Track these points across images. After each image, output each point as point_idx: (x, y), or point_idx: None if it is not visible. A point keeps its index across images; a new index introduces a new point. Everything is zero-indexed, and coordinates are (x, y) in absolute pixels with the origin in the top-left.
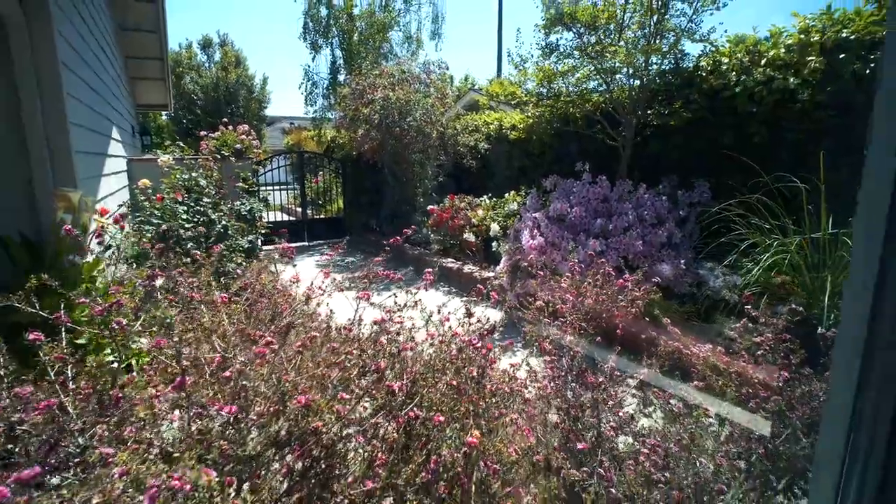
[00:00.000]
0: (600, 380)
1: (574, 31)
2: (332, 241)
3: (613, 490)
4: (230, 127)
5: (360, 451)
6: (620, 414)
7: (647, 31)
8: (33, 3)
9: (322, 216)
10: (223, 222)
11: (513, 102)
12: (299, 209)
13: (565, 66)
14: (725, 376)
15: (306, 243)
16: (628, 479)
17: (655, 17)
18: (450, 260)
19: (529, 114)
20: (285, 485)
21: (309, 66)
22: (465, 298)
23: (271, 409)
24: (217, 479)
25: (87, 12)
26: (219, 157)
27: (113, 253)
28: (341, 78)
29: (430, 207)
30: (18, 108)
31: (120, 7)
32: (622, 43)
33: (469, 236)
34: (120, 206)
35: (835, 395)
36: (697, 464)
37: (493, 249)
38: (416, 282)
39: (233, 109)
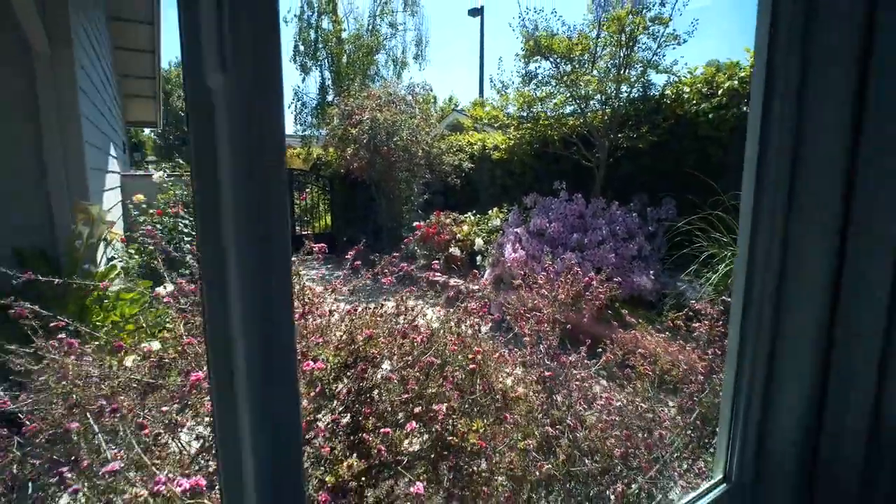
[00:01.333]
0: (571, 358)
1: (551, 61)
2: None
3: (579, 435)
4: None
5: (396, 380)
6: (584, 384)
7: (617, 62)
8: (59, 34)
9: (308, 232)
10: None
11: (495, 125)
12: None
13: (543, 92)
14: (670, 355)
15: (294, 258)
16: (589, 433)
17: (625, 50)
18: (436, 274)
19: (511, 135)
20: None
21: (299, 87)
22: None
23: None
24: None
25: (94, 36)
26: None
27: (121, 264)
28: (330, 98)
29: (416, 223)
30: (39, 130)
31: (118, 28)
32: (595, 72)
33: (455, 251)
34: (132, 220)
35: (730, 353)
36: (642, 419)
37: (478, 263)
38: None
39: None
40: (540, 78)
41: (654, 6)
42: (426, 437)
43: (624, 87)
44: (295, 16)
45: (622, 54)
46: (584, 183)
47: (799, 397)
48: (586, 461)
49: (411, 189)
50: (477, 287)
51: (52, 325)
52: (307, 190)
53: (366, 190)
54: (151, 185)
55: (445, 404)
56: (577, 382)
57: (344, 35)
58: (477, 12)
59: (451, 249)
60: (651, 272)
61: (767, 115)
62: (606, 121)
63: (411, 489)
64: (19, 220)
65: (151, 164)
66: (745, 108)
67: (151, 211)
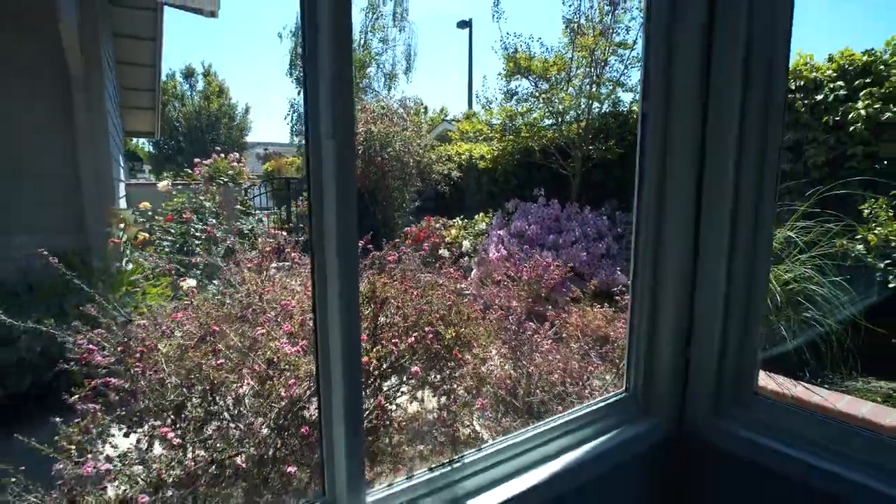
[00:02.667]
0: (532, 326)
1: (530, 80)
2: None
3: (534, 378)
4: (222, 155)
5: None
6: (541, 343)
7: (589, 81)
8: (93, 62)
9: (304, 237)
10: (230, 239)
11: (480, 137)
12: (281, 232)
13: (524, 107)
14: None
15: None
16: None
17: (596, 70)
18: (427, 274)
19: (495, 147)
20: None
21: (294, 99)
22: None
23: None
24: None
25: (108, 54)
26: (221, 182)
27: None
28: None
29: (407, 228)
30: (75, 145)
31: (121, 43)
32: (571, 90)
33: (444, 252)
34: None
35: (630, 304)
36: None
37: (466, 264)
38: None
39: (213, 137)
40: (520, 95)
41: (620, 32)
42: (421, 349)
43: (595, 104)
44: (290, 32)
45: (594, 74)
46: (561, 189)
47: (673, 329)
48: (538, 392)
49: (403, 196)
50: (464, 286)
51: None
52: (301, 197)
53: (360, 198)
54: (157, 194)
55: (430, 328)
56: (533, 337)
57: None
58: (465, 24)
59: (440, 252)
60: (618, 268)
61: (643, 142)
62: (581, 134)
63: (413, 369)
64: (58, 225)
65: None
66: None
67: (160, 217)
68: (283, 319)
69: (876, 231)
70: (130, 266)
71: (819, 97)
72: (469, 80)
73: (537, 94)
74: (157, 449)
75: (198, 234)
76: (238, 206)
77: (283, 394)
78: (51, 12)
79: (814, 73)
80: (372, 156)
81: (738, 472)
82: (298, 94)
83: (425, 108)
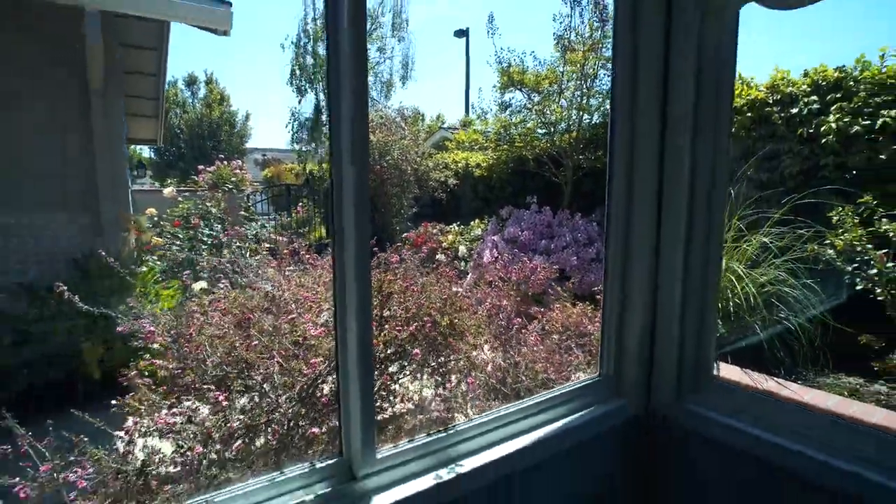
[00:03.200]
0: (518, 320)
1: (523, 92)
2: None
3: (521, 368)
4: (225, 162)
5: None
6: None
7: (580, 94)
8: (113, 77)
9: (305, 243)
10: (235, 244)
11: (476, 147)
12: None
13: (518, 118)
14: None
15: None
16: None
17: (587, 83)
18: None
19: (490, 155)
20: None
21: (295, 108)
22: None
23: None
24: None
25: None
26: (226, 189)
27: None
28: (324, 118)
29: (406, 234)
30: (93, 154)
31: (126, 52)
32: (563, 102)
33: (441, 257)
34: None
35: (602, 301)
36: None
37: (462, 268)
38: None
39: (214, 144)
40: (514, 107)
41: (609, 46)
42: (421, 336)
43: (586, 116)
44: (292, 42)
45: (585, 87)
46: (554, 197)
47: (639, 324)
48: (524, 379)
49: (402, 203)
50: (460, 290)
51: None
52: (300, 203)
53: None
54: (162, 200)
55: (428, 318)
56: (520, 331)
57: None
58: (462, 33)
59: (437, 256)
60: None
61: (612, 157)
62: (572, 144)
63: (414, 351)
64: (75, 230)
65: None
66: None
67: (165, 223)
68: (304, 310)
69: (843, 237)
70: (144, 268)
71: (794, 110)
72: (466, 87)
73: (530, 105)
74: (204, 412)
75: (205, 239)
76: (242, 213)
77: (305, 371)
78: (77, 32)
79: (790, 88)
80: (371, 164)
81: (698, 447)
82: (299, 102)
83: (422, 115)
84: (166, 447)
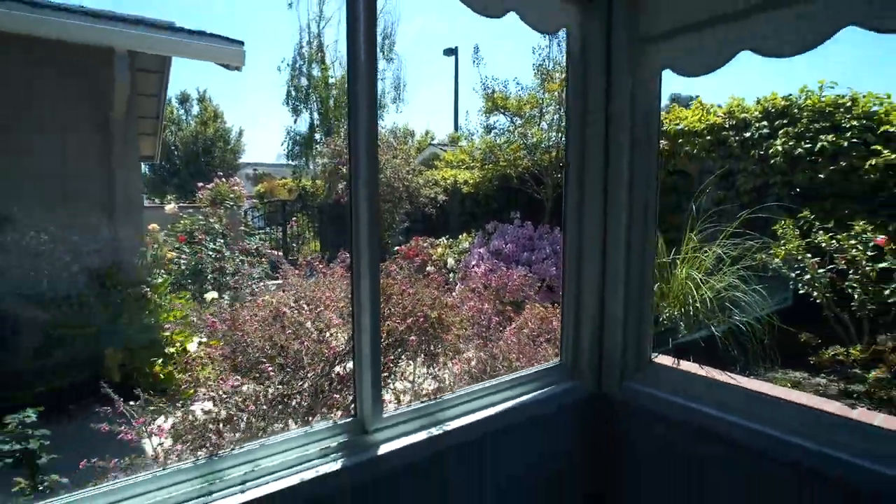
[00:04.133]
0: (496, 320)
1: (506, 115)
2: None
3: (499, 359)
4: (223, 179)
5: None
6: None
7: (559, 117)
8: (131, 106)
9: (296, 258)
10: (239, 258)
11: (463, 166)
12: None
13: (501, 139)
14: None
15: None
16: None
17: (565, 107)
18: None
19: (477, 174)
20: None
21: (291, 127)
22: None
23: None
24: None
25: None
26: (228, 206)
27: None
28: (317, 136)
29: (397, 247)
30: (112, 175)
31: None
32: (543, 125)
33: (431, 269)
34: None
35: (562, 300)
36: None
37: (451, 280)
38: None
39: (208, 160)
40: (498, 129)
41: None
42: (415, 328)
43: (564, 137)
44: (288, 65)
45: (562, 111)
46: (536, 212)
47: (591, 319)
48: (501, 368)
49: (394, 218)
50: (450, 300)
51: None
52: (294, 218)
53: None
54: (164, 216)
55: (421, 313)
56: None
57: (330, 80)
58: (451, 52)
59: (427, 268)
60: None
61: (567, 167)
62: (552, 163)
63: (410, 338)
64: (99, 245)
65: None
66: None
67: (170, 238)
68: (324, 307)
69: (784, 247)
70: (159, 280)
71: (747, 134)
72: (455, 104)
73: (512, 128)
74: (249, 387)
75: (210, 253)
76: (242, 228)
77: (326, 353)
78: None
79: (743, 114)
80: None
81: (638, 416)
82: (295, 122)
83: (412, 132)
84: (222, 412)
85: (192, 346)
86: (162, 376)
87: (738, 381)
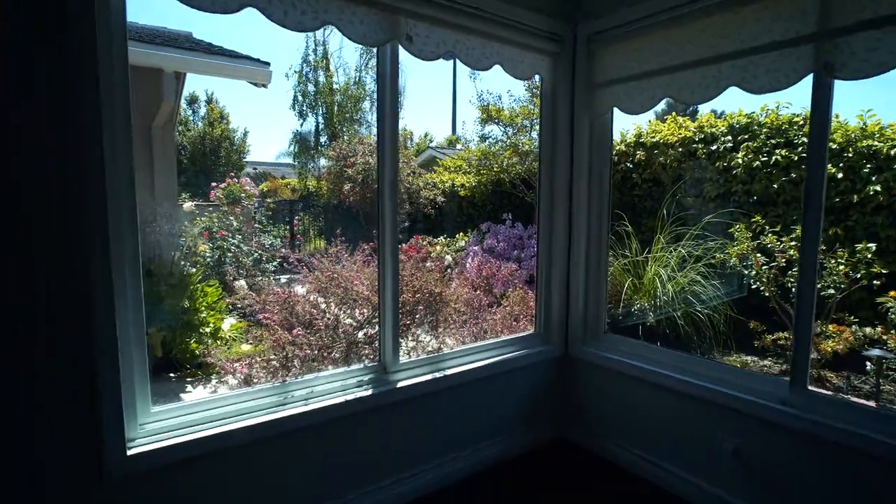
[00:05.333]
0: (486, 301)
1: (500, 126)
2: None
3: (488, 333)
4: (235, 179)
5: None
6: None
7: None
8: (170, 119)
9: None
10: (256, 253)
11: (461, 171)
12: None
13: (495, 147)
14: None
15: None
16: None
17: None
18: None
19: (473, 178)
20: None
21: (297, 130)
22: None
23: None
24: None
25: None
26: (245, 205)
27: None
28: (323, 139)
29: (399, 245)
30: (153, 178)
31: None
32: (534, 134)
33: (429, 264)
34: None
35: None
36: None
37: (448, 274)
38: None
39: (212, 161)
40: (492, 139)
41: None
42: (422, 301)
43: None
44: (295, 72)
45: None
46: (527, 214)
47: (559, 297)
48: (487, 338)
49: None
50: (450, 291)
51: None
52: (297, 217)
53: (355, 218)
54: (181, 214)
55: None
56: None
57: (335, 86)
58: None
59: (427, 264)
60: None
61: (540, 192)
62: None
63: (419, 308)
64: (142, 239)
65: None
66: (629, 164)
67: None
68: (354, 284)
69: (738, 247)
70: (193, 270)
71: (714, 147)
72: (453, 106)
73: (506, 137)
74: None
75: (231, 248)
76: (257, 225)
77: (358, 317)
78: (156, 89)
79: (711, 129)
80: (370, 183)
81: (597, 373)
82: (301, 125)
83: (410, 133)
84: (288, 354)
85: (225, 326)
86: (197, 352)
87: (668, 350)
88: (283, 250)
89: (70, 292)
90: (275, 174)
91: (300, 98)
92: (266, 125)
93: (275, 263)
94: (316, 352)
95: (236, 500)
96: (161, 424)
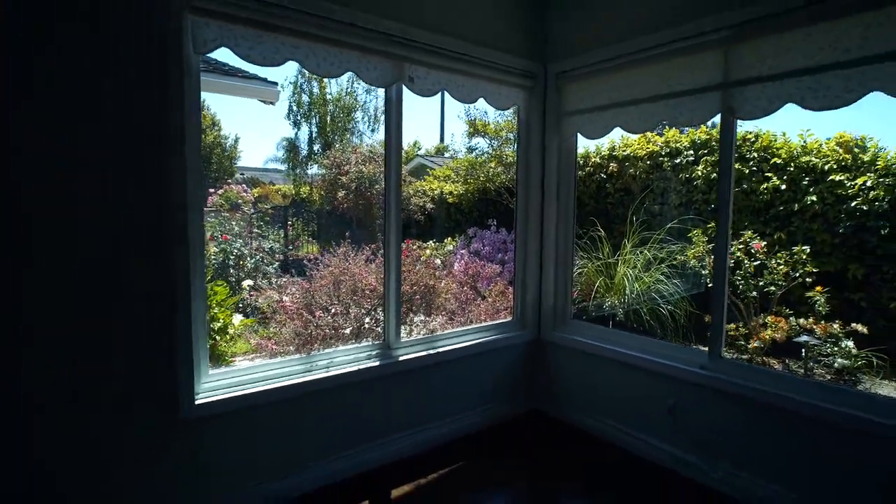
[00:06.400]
0: (472, 296)
1: (485, 138)
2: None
3: (472, 321)
4: (231, 186)
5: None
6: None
7: None
8: None
9: (295, 258)
10: (257, 256)
11: (449, 180)
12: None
13: (481, 158)
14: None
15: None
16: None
17: None
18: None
19: (460, 186)
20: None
21: (292, 139)
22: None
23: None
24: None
25: None
26: (245, 211)
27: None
28: (316, 147)
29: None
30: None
31: None
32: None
33: (420, 267)
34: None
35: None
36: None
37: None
38: None
39: (205, 167)
40: (478, 150)
41: None
42: (418, 292)
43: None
44: (290, 83)
45: None
46: (511, 220)
47: (533, 291)
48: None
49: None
50: (442, 285)
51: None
52: (289, 223)
53: (348, 224)
54: None
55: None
56: (474, 300)
57: (328, 96)
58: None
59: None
60: None
61: (518, 190)
62: None
63: (415, 297)
64: None
65: None
66: (603, 174)
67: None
68: (362, 277)
69: (695, 250)
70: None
71: (678, 160)
72: (441, 116)
73: (491, 150)
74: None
75: (234, 251)
76: (256, 230)
77: (366, 305)
78: None
79: (676, 144)
80: (362, 191)
81: (563, 353)
82: (295, 135)
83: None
84: (313, 332)
85: (235, 321)
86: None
87: (620, 332)
88: (290, 253)
89: (163, 282)
90: (262, 180)
91: (295, 108)
92: (255, 131)
93: (275, 265)
94: (332, 331)
95: (269, 442)
96: (216, 384)
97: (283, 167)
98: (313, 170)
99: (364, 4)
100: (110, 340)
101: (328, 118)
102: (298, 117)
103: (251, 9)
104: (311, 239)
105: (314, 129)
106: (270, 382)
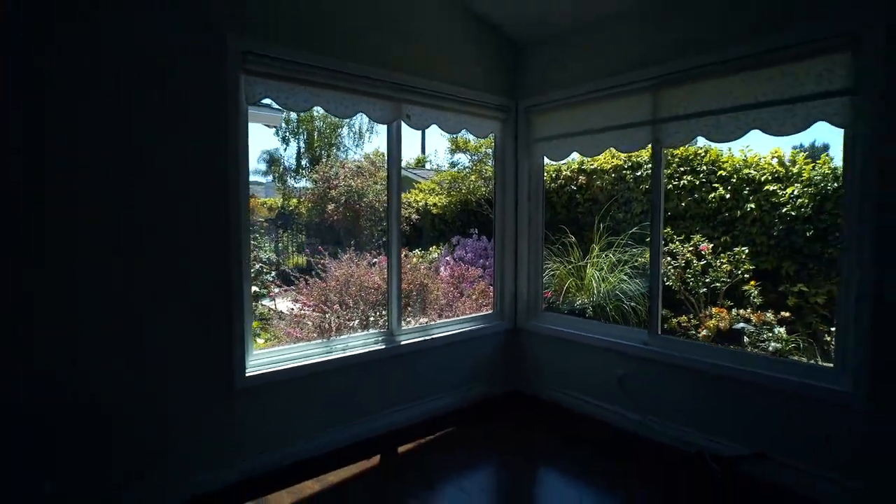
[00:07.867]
0: (458, 295)
1: (467, 154)
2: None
3: (459, 313)
4: None
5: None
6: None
7: None
8: None
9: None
10: (256, 266)
11: (433, 193)
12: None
13: (463, 172)
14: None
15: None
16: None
17: None
18: None
19: (444, 198)
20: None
21: (272, 152)
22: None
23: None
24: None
25: None
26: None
27: None
28: (304, 162)
29: (380, 257)
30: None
31: None
32: None
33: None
34: None
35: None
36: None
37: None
38: None
39: None
40: (460, 165)
41: None
42: (414, 290)
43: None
44: None
45: None
46: (490, 229)
47: (510, 287)
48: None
49: (373, 234)
50: (433, 284)
51: None
52: (277, 235)
53: (335, 234)
54: None
55: (419, 282)
56: (460, 298)
57: (315, 113)
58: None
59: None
60: None
61: (495, 202)
62: None
63: (413, 294)
64: None
65: None
66: (573, 186)
67: None
68: (368, 278)
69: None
70: None
71: (639, 173)
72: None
73: (472, 164)
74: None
75: None
76: (252, 241)
77: (372, 300)
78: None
79: (637, 158)
80: (351, 203)
81: (536, 339)
82: (285, 150)
83: (383, 154)
84: (333, 321)
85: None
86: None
87: (581, 319)
88: (296, 259)
89: (223, 273)
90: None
91: (283, 124)
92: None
93: (273, 274)
94: (344, 322)
95: (299, 407)
96: (260, 361)
97: (264, 180)
98: (301, 183)
99: (371, 60)
100: (203, 320)
101: (315, 134)
102: (287, 133)
103: (289, 69)
104: (300, 252)
105: (302, 145)
106: (298, 361)
